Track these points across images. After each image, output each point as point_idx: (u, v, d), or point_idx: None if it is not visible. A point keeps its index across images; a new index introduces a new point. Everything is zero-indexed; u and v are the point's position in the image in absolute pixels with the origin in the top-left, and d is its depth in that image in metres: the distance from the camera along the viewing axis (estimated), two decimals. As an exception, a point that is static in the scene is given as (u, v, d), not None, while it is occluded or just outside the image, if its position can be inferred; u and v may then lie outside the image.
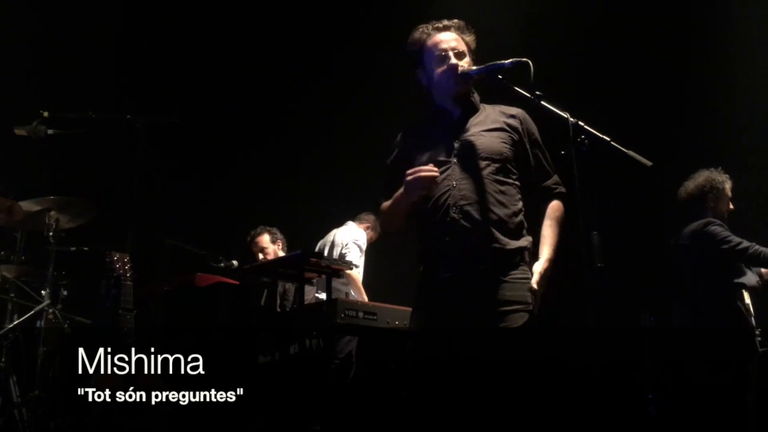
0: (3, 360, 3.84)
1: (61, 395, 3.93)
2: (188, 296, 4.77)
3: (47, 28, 5.49)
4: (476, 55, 2.60)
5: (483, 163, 2.44)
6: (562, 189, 2.56)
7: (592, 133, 2.23)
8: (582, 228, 2.19)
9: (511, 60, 2.42)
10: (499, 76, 2.46)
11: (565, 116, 2.27)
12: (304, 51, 6.18)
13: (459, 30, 2.61)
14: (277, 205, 5.90)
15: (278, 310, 4.77)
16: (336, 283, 4.48)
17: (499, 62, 2.45)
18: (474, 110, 2.60)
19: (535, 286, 2.34)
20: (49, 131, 3.83)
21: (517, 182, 2.49)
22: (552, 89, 2.34)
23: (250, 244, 5.17)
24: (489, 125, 2.54)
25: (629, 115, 5.23)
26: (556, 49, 5.22)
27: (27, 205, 4.00)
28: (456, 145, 2.49)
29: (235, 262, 4.80)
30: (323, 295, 4.63)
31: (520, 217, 2.46)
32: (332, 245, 5.09)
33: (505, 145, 2.49)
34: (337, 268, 4.24)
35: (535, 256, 2.46)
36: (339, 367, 4.58)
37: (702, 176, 3.93)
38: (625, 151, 2.19)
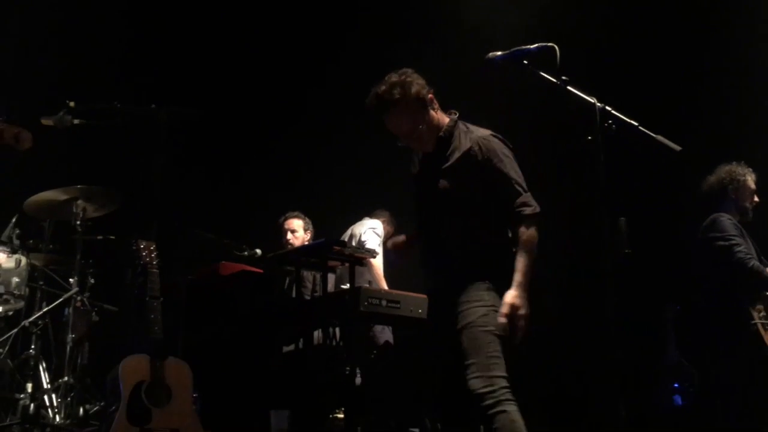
0: (33, 347, 3.90)
1: (90, 381, 3.99)
2: (212, 284, 4.82)
3: (73, 19, 5.53)
4: (427, 90, 2.70)
5: (438, 203, 2.75)
6: (527, 210, 2.62)
7: (620, 117, 2.21)
8: (607, 215, 2.18)
9: (536, 45, 2.41)
10: (525, 62, 2.45)
11: (592, 101, 2.26)
12: (325, 46, 6.17)
13: (389, 105, 2.70)
14: (299, 196, 5.91)
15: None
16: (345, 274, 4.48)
17: (524, 47, 2.44)
18: (446, 146, 2.75)
19: (502, 319, 2.52)
20: (75, 121, 3.85)
21: (473, 213, 2.68)
22: (578, 74, 2.31)
23: (282, 223, 5.19)
24: (450, 161, 2.73)
25: (657, 100, 5.16)
26: (580, 33, 5.16)
27: (54, 195, 4.05)
28: (424, 186, 2.82)
29: (258, 251, 4.82)
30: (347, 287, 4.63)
31: (478, 243, 2.68)
32: (350, 239, 5.10)
33: (454, 183, 2.71)
34: (360, 256, 4.24)
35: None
36: (378, 357, 4.60)
37: (723, 170, 3.96)
38: (654, 135, 2.17)
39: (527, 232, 2.60)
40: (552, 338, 5.33)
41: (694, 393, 4.98)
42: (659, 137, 2.15)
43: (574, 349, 5.23)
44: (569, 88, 2.32)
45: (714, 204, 3.93)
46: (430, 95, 2.73)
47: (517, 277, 2.56)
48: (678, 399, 5.04)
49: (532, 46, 2.42)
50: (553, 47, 2.34)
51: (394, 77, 2.71)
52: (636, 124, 2.19)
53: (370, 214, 5.28)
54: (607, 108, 2.22)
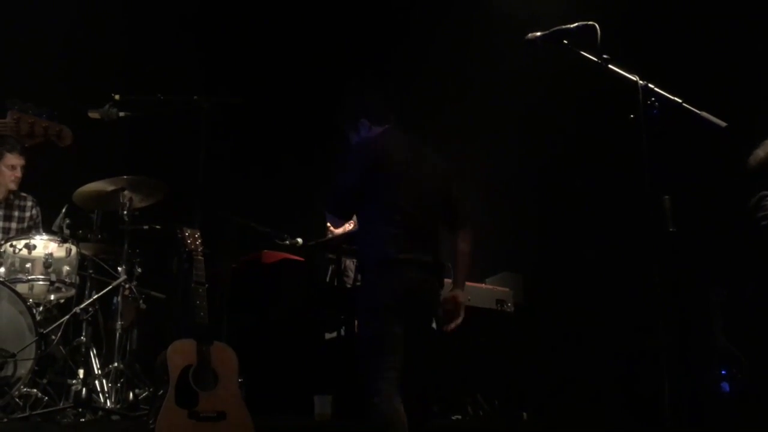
0: (83, 334, 4.01)
1: (139, 367, 4.09)
2: (255, 273, 4.88)
3: (116, 14, 5.64)
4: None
5: None
6: None
7: (663, 95, 2.17)
8: (650, 192, 2.14)
9: (576, 24, 2.38)
10: (564, 41, 2.42)
11: (634, 79, 2.22)
12: (369, 35, 6.17)
13: None
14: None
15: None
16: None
17: (564, 27, 2.41)
18: None
19: None
20: (121, 114, 3.96)
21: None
22: (618, 50, 2.28)
23: None
24: None
25: (701, 73, 5.02)
26: (624, 8, 5.06)
27: (102, 185, 4.15)
28: None
29: (299, 240, 4.86)
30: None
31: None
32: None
33: None
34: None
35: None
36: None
37: None
38: (698, 112, 2.12)
39: None
40: (596, 321, 5.28)
41: (742, 380, 4.87)
42: (704, 113, 2.11)
43: (617, 332, 5.16)
44: (610, 66, 2.29)
45: (762, 180, 3.77)
46: (362, 119, 3.09)
47: None
48: (726, 386, 4.93)
49: (572, 26, 2.39)
50: (593, 26, 2.31)
51: None
52: (680, 101, 2.15)
53: None
54: (650, 85, 2.19)
